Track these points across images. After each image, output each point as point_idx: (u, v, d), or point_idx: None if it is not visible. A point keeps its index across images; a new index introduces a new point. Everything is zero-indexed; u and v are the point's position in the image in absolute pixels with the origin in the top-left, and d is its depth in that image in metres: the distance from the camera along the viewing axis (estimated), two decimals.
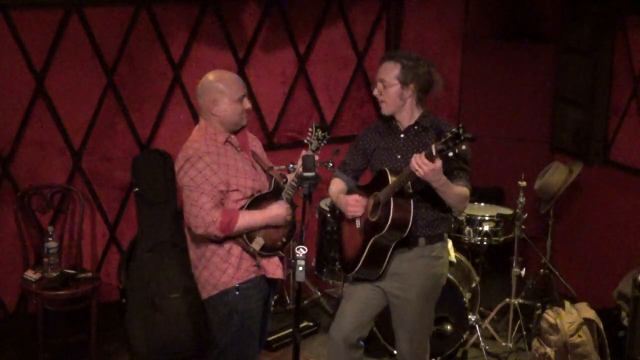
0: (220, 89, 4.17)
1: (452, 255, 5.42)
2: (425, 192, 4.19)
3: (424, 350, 4.46)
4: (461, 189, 4.16)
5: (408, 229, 4.16)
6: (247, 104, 4.24)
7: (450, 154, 3.87)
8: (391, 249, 4.24)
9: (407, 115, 4.28)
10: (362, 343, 4.45)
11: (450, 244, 5.25)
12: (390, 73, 4.22)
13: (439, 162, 3.92)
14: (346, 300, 4.48)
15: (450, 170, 4.12)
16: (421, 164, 3.93)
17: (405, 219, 4.15)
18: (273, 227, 4.22)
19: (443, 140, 3.87)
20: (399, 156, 4.28)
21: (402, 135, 4.30)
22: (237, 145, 4.24)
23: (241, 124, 4.25)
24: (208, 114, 4.20)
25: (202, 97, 4.22)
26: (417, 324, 4.38)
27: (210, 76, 4.24)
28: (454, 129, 3.84)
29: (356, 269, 4.32)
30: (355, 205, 4.30)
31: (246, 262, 4.22)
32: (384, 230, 4.15)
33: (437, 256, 4.33)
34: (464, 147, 3.85)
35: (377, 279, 4.33)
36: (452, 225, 5.62)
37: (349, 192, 4.43)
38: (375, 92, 4.30)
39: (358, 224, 4.34)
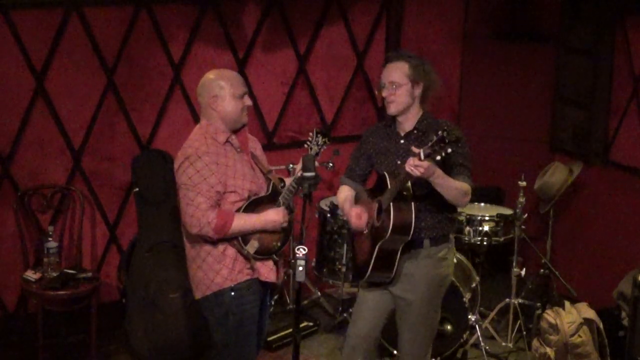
0: (221, 85, 4.16)
1: None
2: (426, 196, 4.21)
3: (426, 352, 4.46)
4: (461, 184, 4.18)
5: (412, 232, 4.19)
6: (248, 101, 4.23)
7: (438, 157, 3.91)
8: (399, 252, 4.26)
9: (412, 115, 4.29)
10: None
11: None
12: (399, 72, 4.23)
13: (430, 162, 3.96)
14: (359, 305, 4.49)
15: (450, 167, 4.15)
16: (415, 166, 3.96)
17: (407, 223, 4.17)
18: (269, 231, 4.21)
19: (430, 144, 3.91)
20: (398, 162, 4.28)
21: (402, 141, 4.31)
22: (237, 146, 4.23)
23: (242, 122, 4.24)
24: (209, 111, 4.19)
25: (202, 95, 4.21)
26: (421, 326, 4.38)
27: (211, 75, 4.24)
28: (439, 132, 3.88)
29: (367, 273, 4.32)
30: (358, 220, 4.34)
31: (240, 263, 4.20)
32: (387, 236, 4.18)
33: (442, 257, 4.34)
34: (449, 150, 3.89)
35: (389, 282, 4.33)
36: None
37: (357, 198, 4.45)
38: (385, 94, 4.28)
39: (365, 230, 4.35)
